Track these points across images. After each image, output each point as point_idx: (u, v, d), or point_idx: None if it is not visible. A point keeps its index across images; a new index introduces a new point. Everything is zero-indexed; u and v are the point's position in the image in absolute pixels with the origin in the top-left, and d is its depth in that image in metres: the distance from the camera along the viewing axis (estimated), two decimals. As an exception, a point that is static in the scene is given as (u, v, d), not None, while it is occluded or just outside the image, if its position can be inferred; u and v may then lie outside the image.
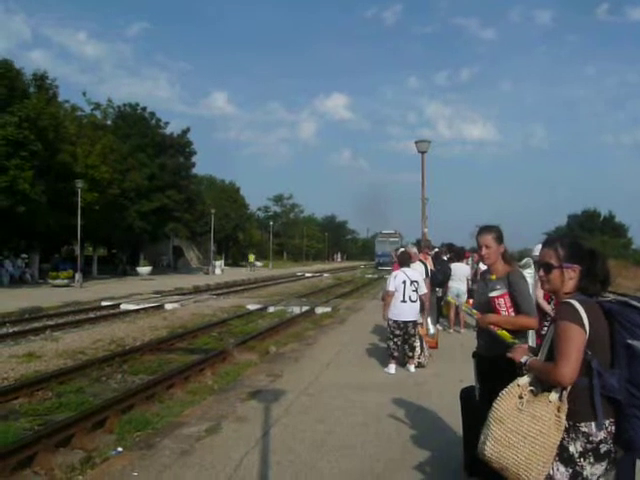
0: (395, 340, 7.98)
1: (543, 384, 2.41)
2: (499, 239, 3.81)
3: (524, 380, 2.46)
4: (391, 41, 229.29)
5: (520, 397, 2.41)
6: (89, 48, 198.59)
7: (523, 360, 2.56)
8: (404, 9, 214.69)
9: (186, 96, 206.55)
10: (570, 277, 2.49)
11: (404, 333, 7.98)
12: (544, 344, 2.52)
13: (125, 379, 8.99)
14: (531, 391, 2.42)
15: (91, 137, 32.97)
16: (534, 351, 2.65)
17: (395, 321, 7.97)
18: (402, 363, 8.13)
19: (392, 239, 64.35)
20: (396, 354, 8.02)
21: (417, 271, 8.64)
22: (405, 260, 8.36)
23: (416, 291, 7.96)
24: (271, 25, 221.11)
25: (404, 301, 7.90)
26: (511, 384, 2.48)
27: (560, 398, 2.33)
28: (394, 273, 8.14)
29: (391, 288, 7.94)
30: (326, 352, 9.67)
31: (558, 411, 2.31)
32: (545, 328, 3.49)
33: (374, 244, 76.22)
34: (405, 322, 7.96)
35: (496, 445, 2.40)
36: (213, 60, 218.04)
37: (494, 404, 2.49)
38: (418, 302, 8.03)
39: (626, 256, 50.77)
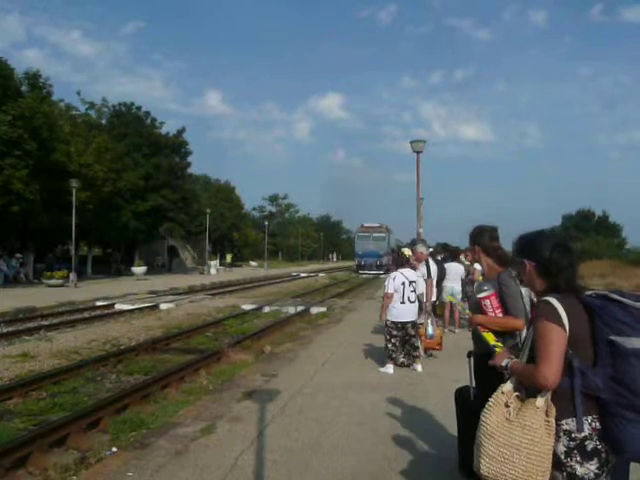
0: (393, 341, 8.01)
1: (528, 388, 2.32)
2: (485, 250, 3.87)
3: (508, 386, 2.37)
4: (385, 41, 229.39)
5: (507, 405, 2.32)
6: (83, 47, 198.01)
7: (504, 364, 2.46)
8: (398, 9, 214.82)
9: (180, 95, 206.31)
10: (529, 273, 2.44)
11: (404, 334, 8.01)
12: (525, 345, 2.43)
13: (120, 379, 8.97)
14: (517, 397, 2.33)
15: (85, 136, 32.88)
16: (516, 353, 2.56)
17: (393, 322, 7.99)
18: (397, 364, 8.14)
19: (377, 234, 51.48)
20: (394, 355, 8.05)
21: (420, 271, 8.70)
22: (400, 261, 8.39)
23: (414, 291, 8.01)
24: (266, 25, 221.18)
25: (403, 302, 7.93)
26: (495, 393, 2.39)
27: (545, 401, 2.25)
28: (393, 274, 8.16)
29: (390, 290, 7.97)
30: (321, 352, 9.67)
31: (547, 415, 2.23)
32: None
33: (353, 240, 59.35)
34: (404, 323, 8.00)
35: (491, 462, 2.29)
36: (208, 59, 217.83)
37: (482, 417, 2.38)
38: (417, 302, 8.08)
39: (620, 256, 51.03)
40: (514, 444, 2.24)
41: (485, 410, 2.37)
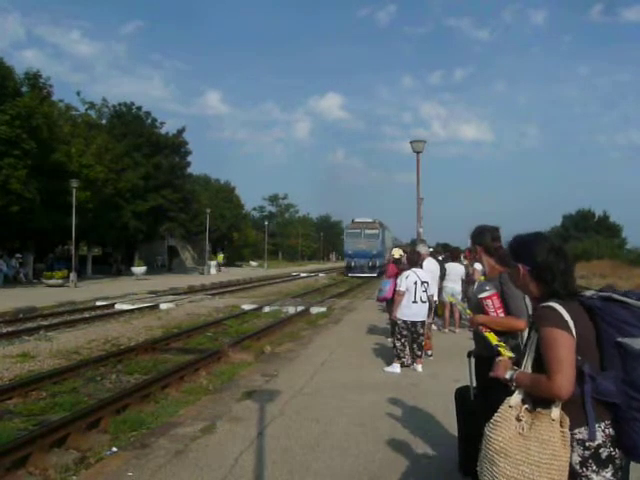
0: (402, 340, 8.03)
1: (536, 398, 2.21)
2: (487, 250, 3.87)
3: (516, 399, 2.25)
4: (385, 41, 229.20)
5: (518, 419, 2.19)
6: (82, 47, 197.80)
7: (508, 376, 2.34)
8: (398, 9, 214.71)
9: (180, 95, 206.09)
10: (523, 277, 2.38)
11: (412, 333, 8.04)
12: (527, 353, 2.31)
13: (120, 379, 8.96)
14: (526, 409, 2.21)
15: (85, 137, 32.87)
16: (517, 362, 2.43)
17: (404, 321, 8.01)
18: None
19: (369, 230, 44.60)
20: (402, 354, 8.06)
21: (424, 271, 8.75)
22: (415, 260, 8.40)
23: (426, 292, 8.03)
24: (265, 25, 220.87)
25: (415, 301, 7.94)
26: (502, 407, 2.26)
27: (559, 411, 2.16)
28: (405, 273, 8.17)
29: (402, 288, 7.98)
30: (321, 352, 9.67)
31: (561, 426, 2.12)
32: None
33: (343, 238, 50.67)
34: (414, 322, 8.02)
35: None
36: (207, 59, 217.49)
37: (490, 434, 2.24)
38: (427, 302, 8.10)
39: (620, 256, 51.13)
40: (534, 461, 2.11)
41: (492, 425, 2.25)
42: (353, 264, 44.15)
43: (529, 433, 2.16)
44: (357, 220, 46.12)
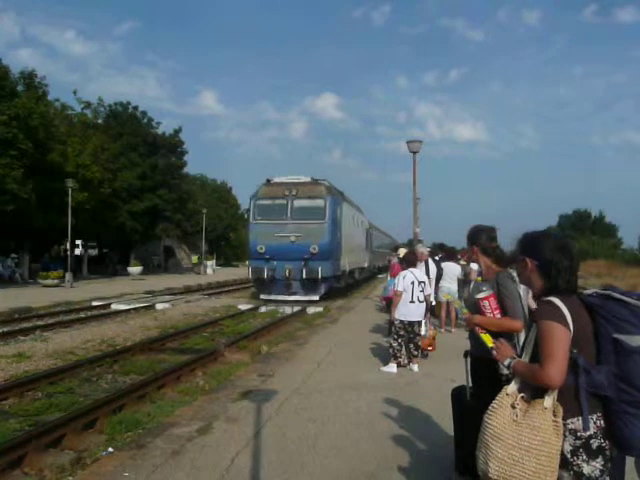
0: (399, 340, 8.05)
1: (532, 388, 2.32)
2: (483, 250, 3.87)
3: (512, 387, 2.38)
4: (380, 41, 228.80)
5: (513, 407, 2.31)
6: (77, 47, 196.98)
7: (506, 363, 2.48)
8: (392, 10, 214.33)
9: (176, 95, 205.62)
10: (530, 271, 2.46)
11: (409, 332, 8.06)
12: (527, 344, 2.45)
13: (116, 379, 8.94)
14: (522, 397, 2.33)
15: (82, 136, 32.82)
16: (519, 352, 2.55)
17: (402, 321, 8.03)
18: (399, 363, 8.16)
19: (303, 201, 20.07)
20: (398, 354, 8.07)
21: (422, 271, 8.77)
22: (412, 260, 8.42)
23: (423, 291, 8.05)
24: (261, 25, 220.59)
25: (412, 301, 7.97)
26: (499, 394, 2.39)
27: (552, 401, 2.25)
28: (403, 273, 8.20)
29: (400, 288, 8.01)
30: (318, 352, 9.67)
31: (554, 415, 2.23)
32: None
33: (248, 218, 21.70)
34: (411, 322, 8.04)
35: (501, 465, 2.27)
36: (202, 59, 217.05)
37: (487, 419, 2.37)
38: (424, 302, 8.13)
39: (615, 256, 51.35)
40: (524, 446, 2.24)
41: (489, 412, 2.37)
42: (267, 273, 20.02)
43: (522, 420, 2.28)
44: (277, 180, 21.37)
